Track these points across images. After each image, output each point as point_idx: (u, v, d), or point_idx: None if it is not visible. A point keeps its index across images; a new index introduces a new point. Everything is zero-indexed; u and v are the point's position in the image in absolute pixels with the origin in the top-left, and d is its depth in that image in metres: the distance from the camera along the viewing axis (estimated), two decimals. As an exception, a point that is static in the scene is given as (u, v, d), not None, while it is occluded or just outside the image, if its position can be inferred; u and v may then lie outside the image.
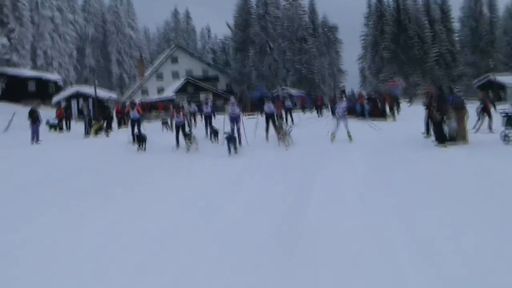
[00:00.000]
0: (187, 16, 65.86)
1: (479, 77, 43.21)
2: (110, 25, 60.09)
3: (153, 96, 51.05)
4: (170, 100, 45.26)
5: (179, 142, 13.32)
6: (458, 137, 10.56)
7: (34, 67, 50.47)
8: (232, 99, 14.57)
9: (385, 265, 3.85)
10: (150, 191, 7.49)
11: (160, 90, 53.49)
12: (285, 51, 51.20)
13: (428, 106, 11.47)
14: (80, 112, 28.35)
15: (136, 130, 14.50)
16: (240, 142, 12.78)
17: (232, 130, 12.84)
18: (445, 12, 53.77)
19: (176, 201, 6.64)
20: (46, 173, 9.41)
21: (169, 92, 50.02)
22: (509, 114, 10.45)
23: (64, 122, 22.95)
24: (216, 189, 7.37)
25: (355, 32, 58.06)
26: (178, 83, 52.06)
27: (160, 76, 55.28)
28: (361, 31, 56.44)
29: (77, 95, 33.21)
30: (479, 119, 13.29)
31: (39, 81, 37.25)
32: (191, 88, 50.85)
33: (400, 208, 5.48)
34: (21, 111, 24.07)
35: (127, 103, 26.37)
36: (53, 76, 39.17)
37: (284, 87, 47.13)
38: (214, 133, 14.47)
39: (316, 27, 53.22)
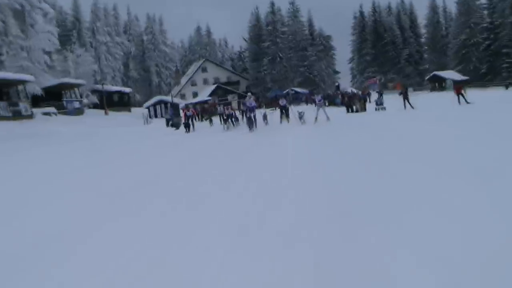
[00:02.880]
0: (208, 31, 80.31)
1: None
2: (147, 43, 74.74)
3: (189, 100, 65.65)
4: (205, 102, 60.29)
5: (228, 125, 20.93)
6: (360, 110, 24.70)
7: (95, 82, 65.05)
8: (250, 94, 21.72)
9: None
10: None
11: (195, 94, 68.31)
12: (291, 58, 66.32)
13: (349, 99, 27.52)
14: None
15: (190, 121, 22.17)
16: (255, 125, 17.65)
17: (250, 116, 17.53)
18: (412, 20, 68.92)
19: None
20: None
21: (203, 96, 64.52)
22: (376, 100, 25.82)
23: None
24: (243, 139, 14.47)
25: (346, 39, 73.28)
26: (209, 88, 66.53)
27: (194, 84, 70.21)
28: (349, 40, 71.82)
29: (160, 102, 48.06)
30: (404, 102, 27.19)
31: (119, 93, 51.08)
32: (220, 91, 65.77)
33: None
34: (113, 114, 40.72)
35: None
36: (127, 89, 53.52)
37: (292, 88, 62.27)
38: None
39: (314, 37, 67.87)
